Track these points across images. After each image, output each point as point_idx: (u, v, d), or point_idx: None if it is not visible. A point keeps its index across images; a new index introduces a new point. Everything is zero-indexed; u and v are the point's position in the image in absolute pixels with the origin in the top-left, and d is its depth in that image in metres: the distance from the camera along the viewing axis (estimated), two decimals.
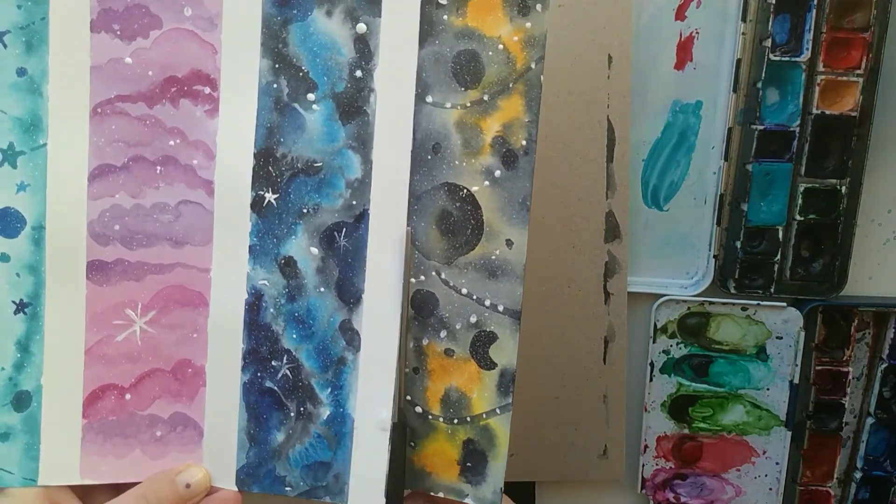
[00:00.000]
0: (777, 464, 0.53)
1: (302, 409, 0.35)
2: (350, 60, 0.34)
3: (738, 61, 0.46)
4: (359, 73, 0.34)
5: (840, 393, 0.51)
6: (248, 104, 0.34)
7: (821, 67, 0.46)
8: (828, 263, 0.49)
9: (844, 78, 0.46)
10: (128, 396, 0.35)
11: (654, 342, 0.51)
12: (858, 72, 0.46)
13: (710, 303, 0.50)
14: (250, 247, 0.35)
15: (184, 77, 0.34)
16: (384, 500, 0.35)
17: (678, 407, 0.52)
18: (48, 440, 0.35)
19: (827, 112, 0.47)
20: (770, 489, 0.53)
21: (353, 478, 0.36)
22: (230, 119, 0.34)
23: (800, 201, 0.48)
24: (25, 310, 0.34)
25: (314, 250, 0.35)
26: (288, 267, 0.35)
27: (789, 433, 0.52)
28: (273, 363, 0.35)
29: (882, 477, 0.53)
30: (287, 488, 0.36)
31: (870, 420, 0.52)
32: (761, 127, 0.47)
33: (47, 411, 0.35)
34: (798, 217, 0.49)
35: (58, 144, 0.34)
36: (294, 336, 0.35)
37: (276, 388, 0.35)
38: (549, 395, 0.52)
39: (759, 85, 0.47)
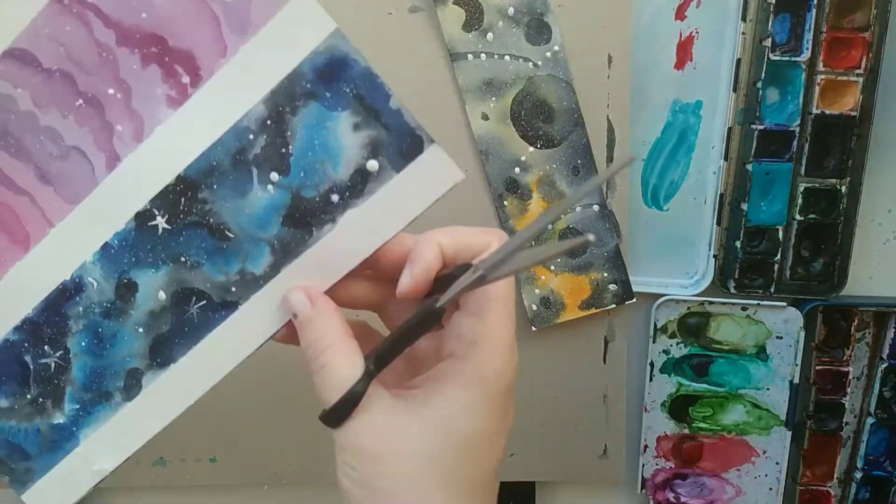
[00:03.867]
0: (777, 464, 0.53)
1: (40, 399, 0.33)
2: (337, 182, 0.30)
3: (738, 61, 0.46)
4: (335, 198, 0.30)
5: (840, 393, 0.51)
6: (212, 128, 0.30)
7: (821, 67, 0.46)
8: (828, 263, 0.49)
9: (844, 78, 0.46)
10: None
11: (654, 342, 0.51)
12: (858, 71, 0.46)
13: (710, 303, 0.50)
14: (106, 243, 0.31)
15: (173, 48, 0.29)
16: None
17: (678, 407, 0.52)
18: None
19: (827, 112, 0.47)
20: (770, 489, 0.53)
21: (43, 483, 0.34)
22: (185, 124, 0.30)
23: (800, 201, 0.48)
24: None
25: (162, 296, 0.32)
26: (126, 289, 0.32)
27: (789, 433, 0.52)
28: (46, 348, 0.33)
29: (882, 477, 0.53)
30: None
31: (870, 420, 0.52)
32: (761, 127, 0.47)
33: None
34: (798, 217, 0.49)
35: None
36: (82, 344, 0.32)
37: (31, 366, 0.33)
38: (549, 395, 0.52)
39: (759, 85, 0.47)
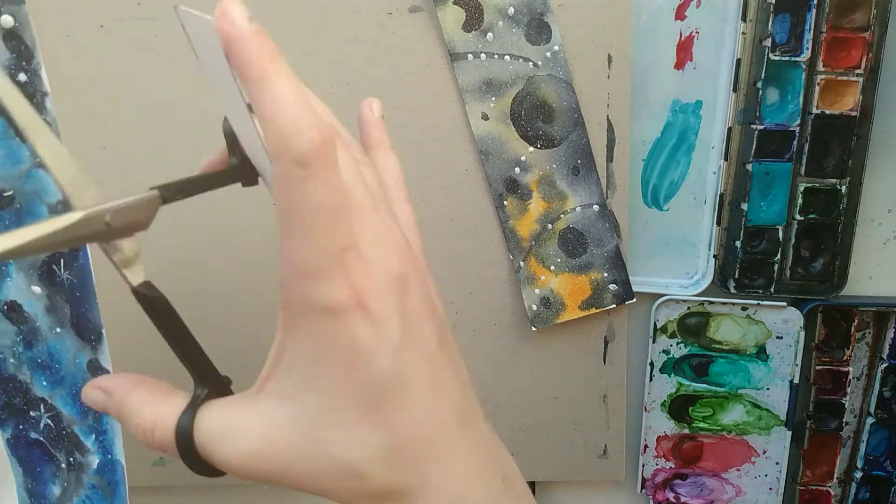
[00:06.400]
0: (777, 463, 0.53)
1: (71, 459, 0.33)
2: (6, 62, 0.28)
3: (738, 61, 0.46)
4: (22, 77, 0.28)
5: (840, 393, 0.51)
6: None
7: (821, 67, 0.46)
8: (828, 263, 0.49)
9: (844, 78, 0.46)
10: None
11: (654, 342, 0.51)
12: (858, 71, 0.46)
13: (710, 302, 0.50)
14: None
15: None
16: None
17: (678, 407, 0.53)
18: None
19: (827, 112, 0.47)
20: (770, 489, 0.53)
21: None
22: None
23: (800, 201, 0.48)
24: None
25: (36, 289, 0.31)
26: (13, 312, 0.31)
27: (789, 433, 0.52)
28: (32, 414, 0.32)
29: (882, 477, 0.53)
30: None
31: (870, 420, 0.52)
32: (761, 126, 0.47)
33: None
34: (798, 217, 0.49)
35: None
36: (44, 383, 0.32)
37: (41, 438, 0.33)
38: (549, 395, 0.52)
39: (759, 84, 0.47)
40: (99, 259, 0.30)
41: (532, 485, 0.55)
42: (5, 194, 0.29)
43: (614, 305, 0.49)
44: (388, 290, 0.24)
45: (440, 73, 0.46)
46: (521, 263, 0.49)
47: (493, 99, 0.47)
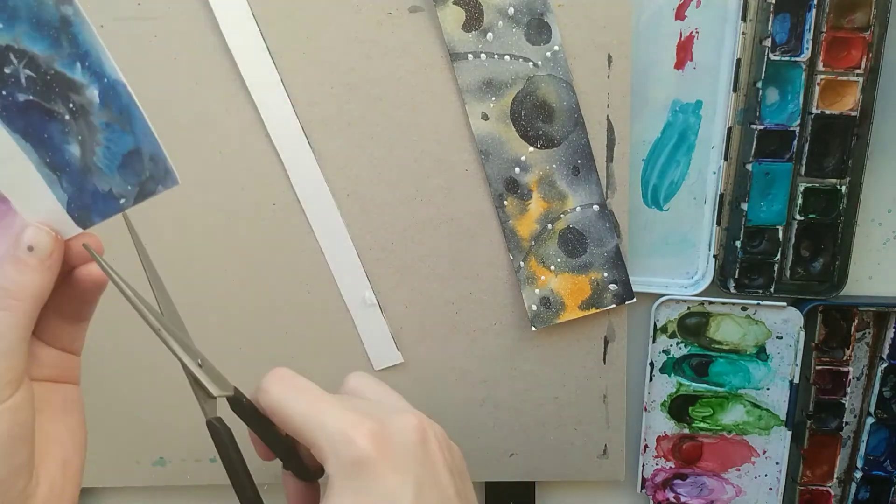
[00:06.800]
0: (777, 463, 0.53)
1: (71, 105, 0.29)
2: None
3: (738, 61, 0.46)
4: None
5: (840, 393, 0.51)
6: None
7: (821, 67, 0.46)
8: (828, 263, 0.49)
9: (844, 78, 0.46)
10: None
11: (654, 342, 0.51)
12: (858, 71, 0.46)
13: (710, 302, 0.50)
14: None
15: None
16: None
17: (678, 407, 0.52)
18: None
19: (827, 112, 0.47)
20: (770, 489, 0.53)
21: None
22: None
23: (800, 201, 0.48)
24: None
25: None
26: None
27: (789, 433, 0.52)
28: (7, 71, 0.29)
29: (882, 477, 0.53)
30: (121, 200, 0.30)
31: (870, 420, 0.52)
32: (761, 126, 0.47)
33: None
34: (798, 217, 0.49)
35: None
36: (1, 26, 0.28)
37: (30, 97, 0.29)
38: (549, 395, 0.52)
39: (759, 84, 0.47)
40: None
41: (532, 485, 0.55)
42: None
43: (614, 305, 0.49)
44: None
45: (440, 73, 0.46)
46: (521, 263, 0.49)
47: (493, 99, 0.47)
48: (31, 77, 0.29)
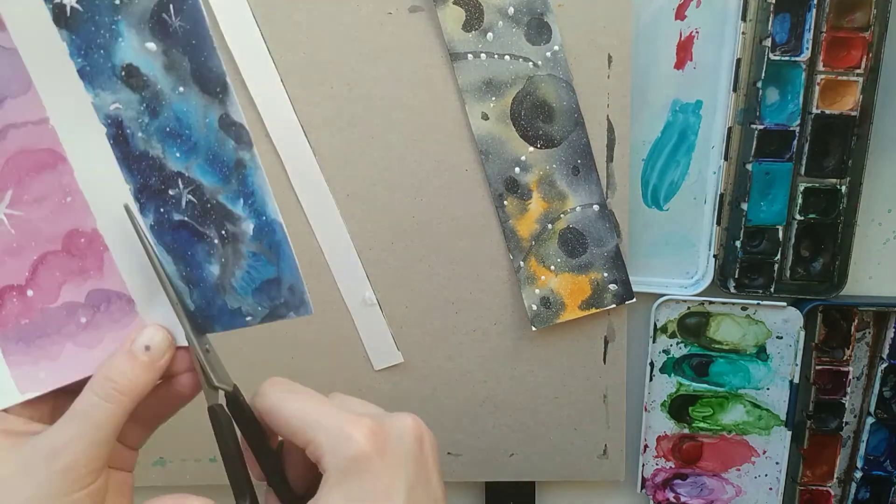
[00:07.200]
0: (777, 463, 0.53)
1: (223, 232, 0.30)
2: None
3: (738, 61, 0.46)
4: None
5: (840, 392, 0.51)
6: None
7: (821, 67, 0.46)
8: (828, 263, 0.49)
9: (844, 77, 0.46)
10: (30, 293, 0.30)
11: (654, 342, 0.51)
12: (858, 71, 0.46)
13: (710, 302, 0.50)
14: (79, 71, 0.28)
15: None
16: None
17: (678, 407, 0.52)
18: None
19: (827, 112, 0.47)
20: (770, 489, 0.53)
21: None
22: None
23: (800, 201, 0.48)
24: None
25: (151, 46, 0.28)
26: (132, 77, 0.29)
27: (789, 433, 0.52)
28: (171, 192, 0.30)
29: (882, 477, 0.53)
30: (248, 318, 0.31)
31: (870, 420, 0.52)
32: (761, 126, 0.47)
33: None
34: (798, 217, 0.49)
35: None
36: (177, 154, 0.29)
37: (186, 218, 0.30)
38: (549, 395, 0.52)
39: (759, 84, 0.47)
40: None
41: (532, 485, 0.55)
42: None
43: (614, 305, 0.49)
44: None
45: (440, 73, 0.46)
46: (521, 263, 0.49)
47: (493, 99, 0.47)
48: (192, 202, 0.30)
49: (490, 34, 0.46)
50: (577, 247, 0.49)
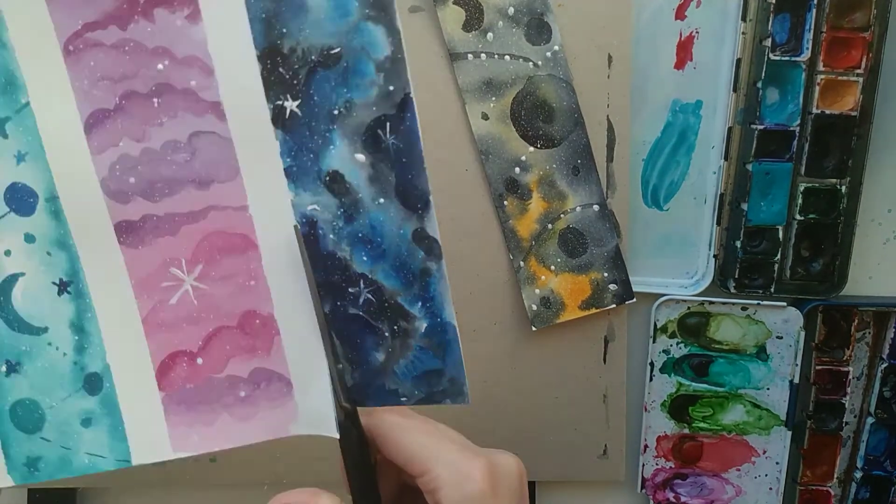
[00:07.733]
0: (777, 463, 0.53)
1: (396, 327, 0.31)
2: None
3: (738, 61, 0.46)
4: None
5: (840, 392, 0.51)
6: None
7: (821, 67, 0.46)
8: (828, 263, 0.49)
9: (844, 77, 0.46)
10: (200, 361, 0.32)
11: (654, 342, 0.51)
12: (858, 71, 0.46)
13: (710, 302, 0.50)
14: (286, 170, 0.30)
15: None
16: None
17: (678, 407, 0.52)
18: (131, 419, 0.32)
19: (827, 112, 0.47)
20: (770, 489, 0.53)
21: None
22: (217, 20, 0.28)
23: (800, 201, 0.48)
24: (68, 288, 0.31)
25: (360, 157, 0.29)
26: (335, 183, 0.29)
27: (789, 433, 0.52)
28: (350, 290, 0.31)
29: (882, 477, 0.53)
30: (402, 398, 0.32)
31: (870, 420, 0.52)
32: (761, 126, 0.47)
33: (122, 390, 0.32)
34: (798, 217, 0.49)
35: (40, 98, 0.29)
36: (364, 259, 0.30)
37: (361, 313, 0.31)
38: (549, 395, 0.52)
39: (759, 84, 0.47)
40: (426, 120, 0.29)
41: (532, 485, 0.55)
42: (332, 51, 0.28)
43: (614, 305, 0.49)
44: None
45: (440, 73, 0.46)
46: (521, 263, 0.49)
47: (493, 99, 0.47)
48: (370, 300, 0.31)
49: (490, 34, 0.46)
50: (577, 247, 0.49)
